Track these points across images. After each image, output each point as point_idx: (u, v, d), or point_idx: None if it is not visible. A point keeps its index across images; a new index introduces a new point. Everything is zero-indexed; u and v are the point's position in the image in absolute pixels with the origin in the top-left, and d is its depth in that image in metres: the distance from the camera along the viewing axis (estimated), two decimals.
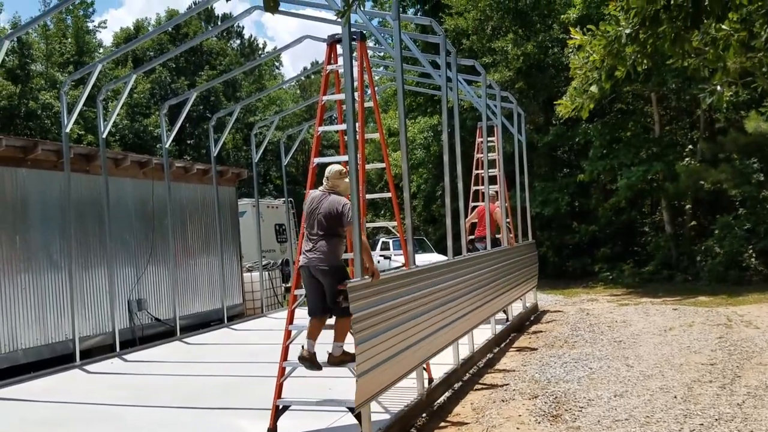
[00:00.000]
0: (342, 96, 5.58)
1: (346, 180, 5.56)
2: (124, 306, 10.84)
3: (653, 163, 17.41)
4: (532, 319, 12.54)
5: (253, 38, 51.04)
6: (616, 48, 4.50)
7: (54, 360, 9.28)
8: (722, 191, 17.45)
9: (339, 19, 3.01)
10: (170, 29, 42.22)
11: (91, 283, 10.24)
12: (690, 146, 18.89)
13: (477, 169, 11.73)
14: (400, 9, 22.96)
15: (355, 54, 5.66)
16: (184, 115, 11.62)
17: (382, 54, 24.06)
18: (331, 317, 5.51)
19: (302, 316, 5.63)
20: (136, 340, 10.83)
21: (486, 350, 9.15)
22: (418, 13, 24.00)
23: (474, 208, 11.66)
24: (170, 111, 41.31)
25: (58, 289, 9.61)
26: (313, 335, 5.50)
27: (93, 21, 40.18)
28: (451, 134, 8.33)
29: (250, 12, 9.39)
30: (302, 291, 5.74)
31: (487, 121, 10.80)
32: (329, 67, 6.15)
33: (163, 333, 11.31)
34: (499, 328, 10.26)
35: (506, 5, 20.44)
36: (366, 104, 6.31)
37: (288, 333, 5.57)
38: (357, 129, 5.63)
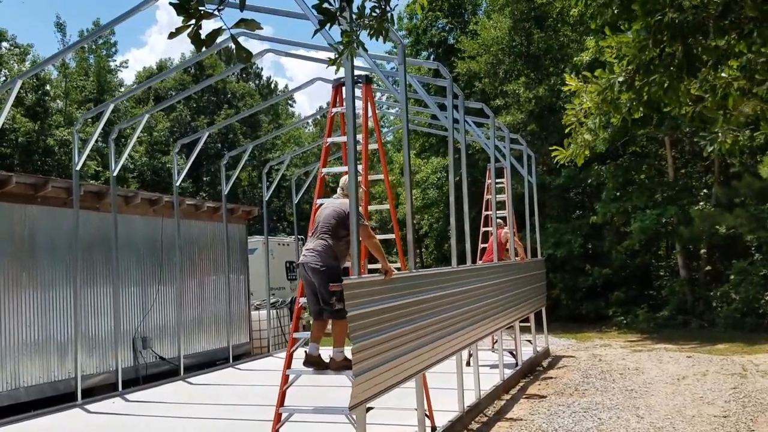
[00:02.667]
0: (343, 139, 5.58)
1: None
2: (129, 344, 10.78)
3: (667, 207, 17.23)
4: (543, 364, 12.28)
5: (271, 79, 51.89)
6: (609, 95, 4.43)
7: (56, 398, 9.20)
8: (738, 236, 17.18)
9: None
10: (193, 70, 43.23)
11: (96, 320, 10.21)
12: (704, 190, 18.70)
13: (486, 210, 11.70)
14: (414, 52, 23.33)
15: (360, 96, 5.68)
16: (196, 153, 11.72)
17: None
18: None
19: (301, 357, 5.53)
20: (139, 379, 10.73)
21: (493, 396, 8.93)
22: (431, 57, 24.30)
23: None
24: (189, 149, 41.81)
25: (62, 326, 9.58)
26: (316, 338, 5.43)
27: (115, 60, 40.97)
28: (458, 173, 8.29)
29: (262, 54, 9.55)
30: (303, 334, 5.66)
31: (496, 162, 10.80)
32: (334, 110, 6.19)
33: (167, 372, 11.20)
34: (508, 372, 10.04)
35: (518, 49, 20.65)
36: (371, 146, 6.31)
37: (285, 378, 5.47)
38: (360, 171, 5.64)
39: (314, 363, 5.36)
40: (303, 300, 5.59)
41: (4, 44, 28.12)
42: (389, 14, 2.87)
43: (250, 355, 13.46)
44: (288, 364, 5.52)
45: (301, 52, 9.72)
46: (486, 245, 11.40)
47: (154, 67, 44.91)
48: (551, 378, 10.72)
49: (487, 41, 20.82)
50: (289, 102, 50.94)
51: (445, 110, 8.28)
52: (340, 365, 5.29)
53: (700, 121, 4.63)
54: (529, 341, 12.34)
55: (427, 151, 23.57)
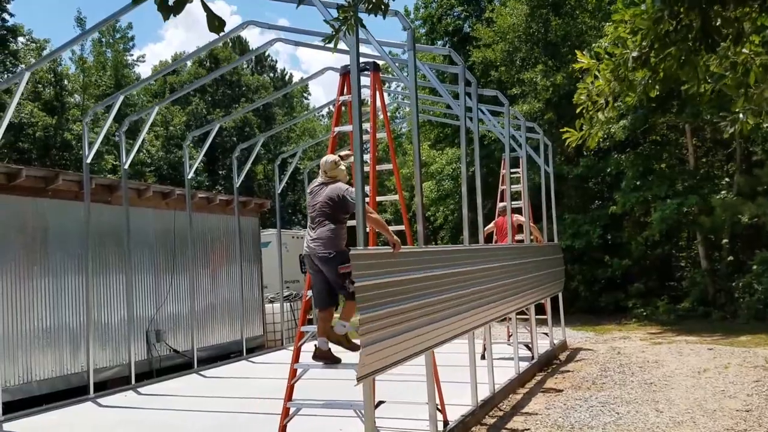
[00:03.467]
0: (350, 128, 5.42)
1: (342, 167, 5.47)
2: (142, 337, 10.75)
3: (688, 196, 16.85)
4: (560, 357, 12.06)
5: (285, 71, 51.83)
6: (623, 72, 4.15)
7: (69, 392, 9.20)
8: (761, 226, 16.77)
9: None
10: (208, 64, 43.28)
11: (109, 313, 10.20)
12: (726, 179, 18.28)
13: (501, 201, 11.47)
14: (429, 41, 23.03)
15: (368, 84, 5.51)
16: (207, 144, 11.63)
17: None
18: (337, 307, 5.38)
19: (310, 351, 5.41)
20: (153, 372, 10.71)
21: (508, 390, 8.76)
22: (446, 46, 23.99)
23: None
24: (205, 143, 41.90)
25: (75, 319, 9.57)
26: (323, 331, 5.32)
27: (132, 55, 41.13)
28: (472, 164, 8.09)
29: (271, 44, 9.41)
30: (311, 327, 5.54)
31: (512, 152, 10.57)
32: (341, 98, 6.04)
33: (181, 365, 11.18)
34: (524, 365, 9.86)
35: (536, 37, 20.29)
36: (379, 134, 6.15)
37: (293, 372, 5.35)
38: (368, 160, 5.48)
39: (324, 357, 5.24)
40: (305, 328, 5.46)
41: (21, 39, 28.27)
42: None
43: (263, 348, 13.41)
44: (296, 358, 5.40)
45: (315, 42, 9.53)
46: (490, 226, 11.21)
47: (170, 61, 45.04)
48: (568, 371, 10.52)
49: (503, 29, 20.49)
50: (305, 95, 50.88)
51: (458, 99, 8.08)
52: (338, 339, 5.23)
53: (720, 101, 4.36)
54: (546, 334, 12.13)
55: (442, 141, 23.31)
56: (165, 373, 10.60)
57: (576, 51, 4.53)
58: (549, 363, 11.25)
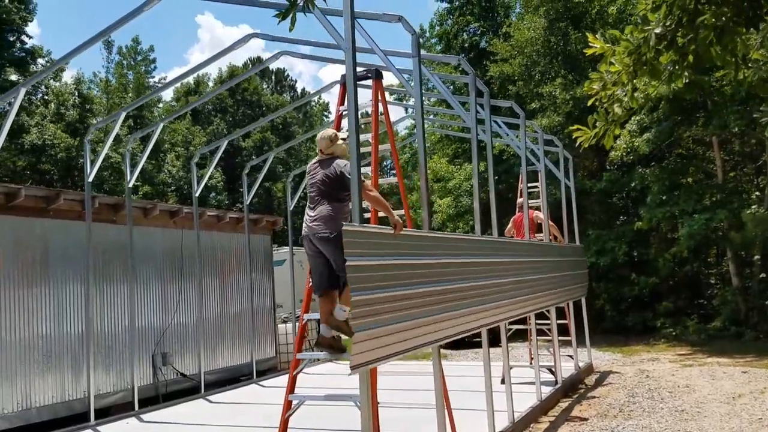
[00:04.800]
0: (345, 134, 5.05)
1: (340, 142, 5.09)
2: (148, 360, 10.42)
3: (717, 211, 16.15)
4: (585, 381, 11.46)
5: (305, 91, 51.99)
6: (645, 54, 3.50)
7: (71, 419, 8.87)
8: None
9: (282, 21, 2.44)
10: (219, 74, 43.45)
11: (113, 336, 9.89)
12: (757, 193, 17.55)
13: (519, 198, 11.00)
14: (444, 53, 22.66)
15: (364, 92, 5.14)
16: (215, 162, 11.38)
17: (432, 100, 23.86)
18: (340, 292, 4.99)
19: (302, 384, 5.00)
20: (159, 397, 10.36)
21: (529, 419, 8.20)
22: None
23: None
24: (227, 163, 41.90)
25: (77, 342, 9.27)
26: (325, 317, 4.97)
27: (154, 77, 41.55)
28: (487, 182, 7.65)
29: (277, 57, 9.14)
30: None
31: (529, 166, 10.12)
32: (342, 108, 5.68)
33: (188, 389, 10.81)
34: (547, 391, 9.31)
35: (554, 50, 19.87)
36: (383, 146, 5.77)
37: (288, 404, 4.93)
38: (369, 173, 5.10)
39: (328, 345, 4.86)
40: (307, 316, 5.06)
41: (40, 61, 28.60)
42: None
43: (276, 371, 13.00)
44: (291, 388, 4.98)
45: (327, 55, 9.26)
46: (509, 227, 10.77)
47: (192, 83, 45.43)
48: (594, 397, 9.93)
49: (521, 42, 20.11)
50: (325, 113, 50.91)
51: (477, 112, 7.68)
52: (337, 324, 4.83)
53: (761, 91, 3.79)
54: (570, 356, 11.55)
55: (460, 157, 22.89)
56: (171, 398, 10.24)
57: (587, 34, 3.98)
58: (574, 388, 10.67)
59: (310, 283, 5.17)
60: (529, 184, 10.28)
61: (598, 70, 3.73)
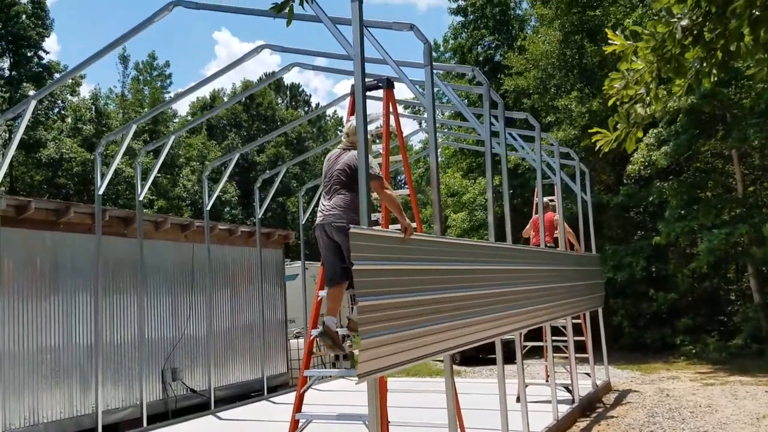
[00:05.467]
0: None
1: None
2: (158, 375, 10.30)
3: (737, 226, 15.81)
4: (603, 400, 11.16)
5: (319, 106, 52.19)
6: (669, 50, 3.23)
7: None
8: None
9: (279, 14, 2.29)
10: (245, 99, 43.77)
11: (122, 351, 9.78)
12: None
13: (535, 230, 10.79)
14: (459, 73, 22.62)
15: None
16: (226, 176, 11.31)
17: (446, 114, 23.73)
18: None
19: (312, 401, 4.83)
20: (168, 413, 10.22)
21: None
22: (476, 76, 23.59)
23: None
24: (241, 177, 41.94)
25: (85, 357, 9.17)
26: (332, 310, 4.83)
27: (169, 92, 41.90)
28: (502, 196, 7.48)
29: (289, 68, 9.07)
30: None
31: (545, 179, 9.94)
32: (352, 119, 5.55)
33: (198, 405, 10.67)
34: (564, 410, 9.04)
35: (570, 63, 19.70)
36: (393, 158, 5.63)
37: (295, 423, 4.77)
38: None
39: (330, 337, 4.76)
40: (315, 331, 4.90)
41: (56, 76, 28.89)
42: None
43: (287, 387, 12.81)
44: (298, 407, 4.82)
45: (340, 67, 9.15)
46: (527, 228, 10.59)
47: (207, 98, 45.79)
48: (612, 417, 9.65)
49: (535, 56, 19.97)
50: (339, 128, 51.00)
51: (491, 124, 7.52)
52: (357, 327, 4.64)
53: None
54: (588, 374, 11.27)
55: (474, 171, 22.72)
56: (181, 414, 10.10)
57: (607, 30, 3.76)
58: (592, 407, 10.38)
59: (319, 297, 5.02)
60: (545, 198, 10.09)
61: (618, 69, 3.53)
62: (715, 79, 3.36)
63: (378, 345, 4.06)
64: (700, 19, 2.99)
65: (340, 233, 4.74)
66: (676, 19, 3.09)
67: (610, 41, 3.55)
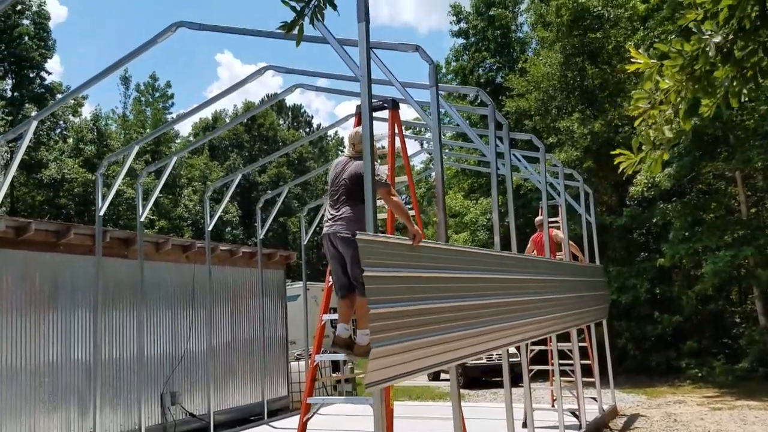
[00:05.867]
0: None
1: (375, 143, 4.94)
2: (157, 399, 10.12)
3: (742, 248, 15.69)
4: (610, 424, 10.96)
5: (321, 127, 52.39)
6: (700, 67, 3.07)
7: None
8: None
9: (288, 33, 2.22)
10: (246, 120, 43.92)
11: (120, 373, 9.61)
12: None
13: (539, 251, 10.70)
14: (460, 94, 22.71)
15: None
16: (228, 196, 11.23)
17: (449, 134, 23.68)
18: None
19: (314, 426, 4.69)
20: None
21: None
22: (478, 97, 23.64)
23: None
24: (243, 198, 41.95)
25: (83, 380, 9.01)
26: (344, 317, 4.76)
27: (171, 113, 42.06)
28: (507, 213, 7.40)
29: (292, 90, 9.04)
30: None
31: (550, 200, 9.86)
32: (358, 128, 5.49)
33: (198, 430, 10.48)
34: None
35: (571, 85, 19.75)
36: (399, 179, 5.56)
37: None
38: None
39: (345, 345, 4.63)
40: (319, 357, 4.78)
41: (59, 97, 28.99)
42: None
43: (288, 411, 12.61)
44: None
45: (343, 88, 9.11)
46: (529, 247, 10.50)
47: (210, 119, 45.94)
48: None
49: (537, 78, 20.03)
50: (340, 148, 51.14)
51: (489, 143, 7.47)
52: (365, 350, 4.51)
53: None
54: (594, 398, 11.08)
55: (476, 191, 22.68)
56: None
57: (629, 48, 3.64)
58: None
59: (323, 321, 4.92)
60: (549, 219, 10.01)
61: (641, 88, 3.41)
62: (745, 99, 3.25)
63: (387, 354, 3.96)
64: (731, 36, 2.88)
65: (344, 244, 4.68)
66: (707, 36, 2.99)
67: (632, 59, 3.43)
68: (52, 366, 8.63)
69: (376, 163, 4.59)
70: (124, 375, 9.64)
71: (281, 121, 50.43)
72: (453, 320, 4.78)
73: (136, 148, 9.00)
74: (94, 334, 8.72)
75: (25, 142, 7.17)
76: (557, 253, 10.24)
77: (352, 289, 4.83)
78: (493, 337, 5.65)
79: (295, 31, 2.25)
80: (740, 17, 2.72)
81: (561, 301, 8.18)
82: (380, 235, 4.21)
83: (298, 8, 2.12)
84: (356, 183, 4.77)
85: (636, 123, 3.58)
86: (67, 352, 8.84)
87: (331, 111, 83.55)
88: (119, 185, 28.76)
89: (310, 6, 2.13)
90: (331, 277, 4.96)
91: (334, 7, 2.24)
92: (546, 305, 7.41)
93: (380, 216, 5.73)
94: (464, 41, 25.62)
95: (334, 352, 4.90)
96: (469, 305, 5.12)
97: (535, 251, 10.53)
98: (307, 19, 2.20)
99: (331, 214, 4.86)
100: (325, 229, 4.85)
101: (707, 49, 2.93)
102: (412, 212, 6.00)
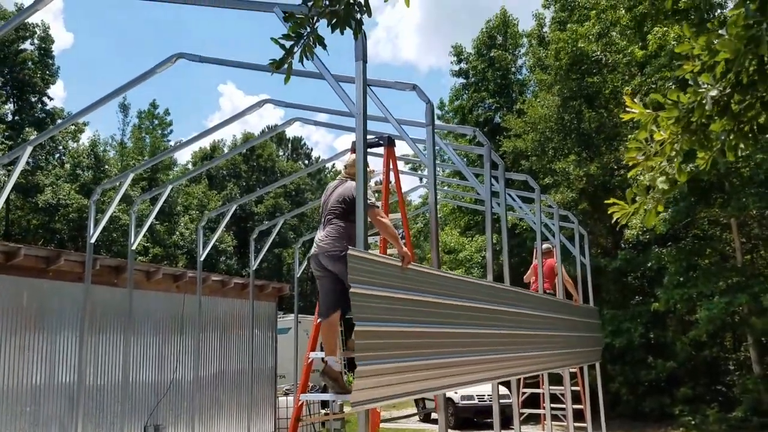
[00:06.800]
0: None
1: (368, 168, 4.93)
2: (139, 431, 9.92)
3: (737, 295, 15.64)
4: None
5: (320, 159, 52.63)
6: (697, 119, 3.04)
7: None
8: None
9: (277, 71, 2.19)
10: (245, 150, 44.13)
11: (104, 405, 9.43)
12: None
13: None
14: (459, 133, 22.89)
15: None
16: (222, 226, 11.18)
17: (446, 172, 23.86)
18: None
19: None
20: None
21: None
22: (476, 136, 23.88)
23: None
24: (238, 226, 41.76)
25: (67, 412, 8.82)
26: (331, 349, 4.69)
27: (170, 140, 42.25)
28: (501, 252, 7.37)
29: (290, 123, 9.08)
30: (309, 396, 4.74)
31: (545, 241, 9.85)
32: (354, 155, 5.50)
33: None
34: None
35: (568, 127, 19.93)
36: (393, 216, 5.53)
37: None
38: (378, 242, 4.83)
39: (334, 379, 4.59)
40: (304, 397, 4.69)
41: (59, 122, 29.13)
42: None
43: None
44: None
45: (342, 123, 9.14)
46: (528, 273, 10.49)
47: (208, 148, 46.14)
48: None
49: (534, 119, 20.24)
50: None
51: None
52: (336, 375, 4.47)
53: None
54: None
55: (472, 229, 22.68)
56: None
57: (625, 96, 3.63)
58: None
59: (309, 360, 4.84)
60: (545, 244, 10.05)
61: (635, 138, 3.40)
62: (743, 154, 3.21)
63: (374, 374, 3.92)
64: (729, 90, 2.88)
65: (333, 260, 4.69)
66: (704, 89, 3.01)
67: (627, 108, 3.43)
68: (34, 393, 8.46)
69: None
70: (108, 405, 9.46)
71: (281, 152, 50.69)
72: (441, 346, 4.77)
73: (131, 176, 8.98)
74: (79, 361, 8.58)
75: (20, 167, 7.15)
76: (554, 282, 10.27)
77: (336, 307, 4.80)
78: (482, 368, 5.63)
79: (285, 68, 2.25)
80: (738, 71, 2.71)
81: (554, 339, 8.15)
82: (371, 252, 4.21)
83: (287, 46, 2.12)
84: (343, 203, 4.84)
85: (630, 173, 3.57)
86: (51, 380, 8.68)
87: (330, 144, 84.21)
88: (115, 212, 28.67)
89: (300, 44, 2.12)
90: (318, 299, 4.96)
91: (324, 46, 2.25)
92: (538, 341, 7.40)
93: (372, 238, 5.74)
94: (464, 81, 25.95)
95: (323, 387, 4.83)
96: (458, 333, 5.11)
97: (533, 279, 10.56)
98: (297, 57, 2.20)
99: (319, 236, 4.89)
100: (313, 250, 4.90)
101: (703, 101, 2.95)
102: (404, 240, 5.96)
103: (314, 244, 4.94)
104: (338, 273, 4.68)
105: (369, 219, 4.54)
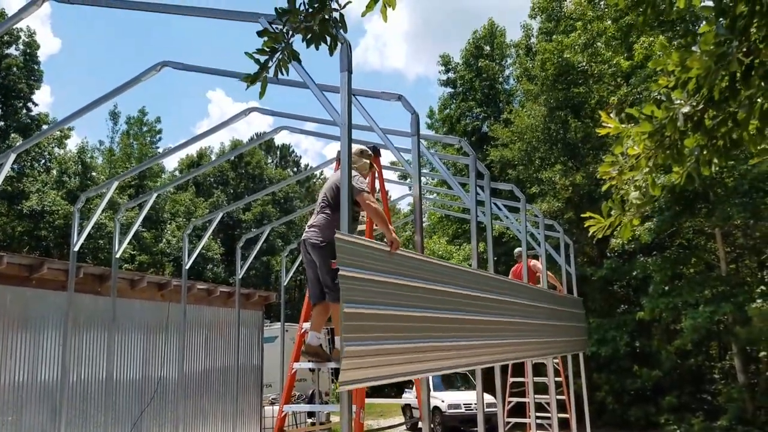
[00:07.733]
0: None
1: (365, 160, 5.24)
2: None
3: (721, 304, 15.76)
4: None
5: (309, 167, 52.61)
6: (669, 136, 3.06)
7: None
8: None
9: (251, 86, 2.20)
10: (233, 158, 44.01)
11: (88, 414, 9.33)
12: (762, 287, 17.19)
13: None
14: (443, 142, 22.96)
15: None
16: (208, 234, 11.12)
17: (435, 181, 23.94)
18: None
19: None
20: None
21: None
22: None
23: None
24: (224, 236, 41.57)
25: (47, 417, 8.72)
26: (316, 325, 4.84)
27: (158, 147, 42.05)
28: (487, 261, 7.39)
29: (277, 131, 9.08)
30: (293, 407, 4.76)
31: (530, 250, 9.89)
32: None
33: None
34: None
35: (554, 137, 20.07)
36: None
37: None
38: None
39: (314, 354, 4.75)
40: (288, 407, 4.70)
41: (45, 128, 28.94)
42: (334, 12, 2.12)
43: None
44: None
45: (329, 131, 9.15)
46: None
47: (195, 156, 45.96)
48: None
49: (521, 129, 20.37)
50: None
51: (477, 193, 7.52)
52: (314, 350, 4.73)
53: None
54: None
55: (460, 237, 22.74)
56: None
57: (600, 112, 3.66)
58: None
59: (293, 370, 4.84)
60: (529, 251, 10.09)
61: (611, 152, 3.42)
62: (717, 168, 3.21)
63: (360, 355, 3.98)
64: (702, 106, 2.91)
65: (315, 251, 4.77)
66: (676, 105, 3.03)
67: (603, 123, 3.46)
68: (17, 403, 8.36)
69: (356, 173, 4.69)
70: (91, 414, 9.36)
71: (269, 160, 50.60)
72: (427, 330, 4.84)
73: (116, 183, 8.93)
74: (62, 367, 8.48)
75: (3, 173, 7.09)
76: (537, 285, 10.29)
77: (323, 297, 4.87)
78: (467, 353, 5.69)
79: (260, 83, 2.25)
80: (710, 87, 2.74)
81: (538, 327, 8.24)
82: (358, 236, 4.25)
83: (262, 61, 2.14)
84: (331, 191, 4.92)
85: (604, 187, 3.60)
86: (32, 388, 8.57)
87: (319, 151, 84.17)
88: (101, 219, 28.40)
89: (274, 59, 2.13)
90: (307, 282, 5.02)
91: (299, 61, 2.26)
92: (523, 329, 7.51)
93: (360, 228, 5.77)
94: (452, 90, 26.08)
95: (310, 396, 4.86)
96: (444, 318, 5.18)
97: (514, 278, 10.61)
98: (271, 71, 2.21)
99: (309, 224, 4.99)
100: (303, 236, 4.98)
101: (675, 117, 2.98)
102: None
103: (305, 230, 5.03)
104: (317, 262, 4.77)
105: (359, 203, 4.60)
